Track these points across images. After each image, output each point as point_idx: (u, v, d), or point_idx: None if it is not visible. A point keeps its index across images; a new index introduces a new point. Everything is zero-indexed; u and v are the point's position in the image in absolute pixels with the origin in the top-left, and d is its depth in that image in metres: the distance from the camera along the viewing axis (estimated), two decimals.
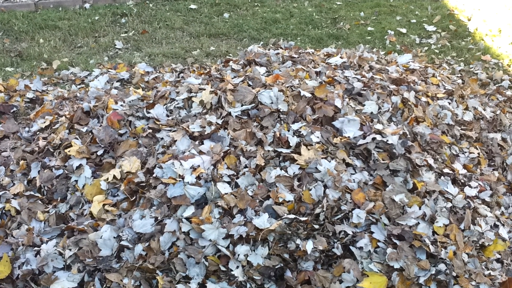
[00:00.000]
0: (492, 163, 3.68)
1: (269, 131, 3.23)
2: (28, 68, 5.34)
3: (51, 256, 2.75)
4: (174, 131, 3.29)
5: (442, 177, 3.17)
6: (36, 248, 2.82)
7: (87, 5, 7.07)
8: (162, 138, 3.29)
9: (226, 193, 2.83)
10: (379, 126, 3.24)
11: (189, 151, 3.07)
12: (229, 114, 3.33)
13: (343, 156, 3.09)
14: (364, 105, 3.49)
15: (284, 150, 3.09)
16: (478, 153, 3.59)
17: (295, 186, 2.92)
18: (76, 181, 3.19)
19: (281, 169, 3.01)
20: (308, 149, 3.08)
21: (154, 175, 2.98)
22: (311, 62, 4.20)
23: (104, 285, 2.68)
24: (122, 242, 2.76)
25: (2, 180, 3.32)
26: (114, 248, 2.76)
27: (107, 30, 6.41)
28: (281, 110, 3.33)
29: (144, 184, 3.01)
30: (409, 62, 4.58)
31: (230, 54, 5.77)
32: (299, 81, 3.65)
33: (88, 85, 4.83)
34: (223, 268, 2.64)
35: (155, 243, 2.72)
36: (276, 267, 2.68)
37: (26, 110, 4.38)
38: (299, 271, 2.70)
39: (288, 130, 3.22)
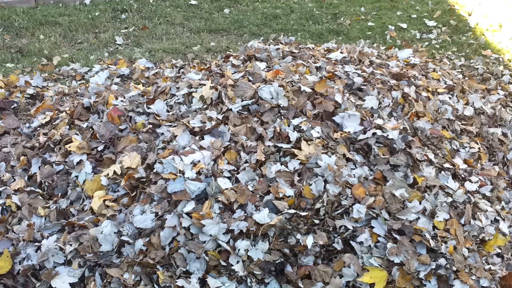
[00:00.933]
0: (493, 158, 3.68)
1: (270, 126, 3.23)
2: (29, 64, 5.34)
3: (52, 252, 2.75)
4: (175, 126, 3.28)
5: (442, 172, 3.17)
6: (36, 244, 2.82)
7: (87, 1, 7.06)
8: (162, 134, 3.29)
9: (226, 188, 2.83)
10: (379, 121, 3.24)
11: (189, 146, 3.07)
12: (230, 109, 3.32)
13: (343, 151, 3.08)
14: (364, 100, 3.48)
15: (284, 145, 3.09)
16: (479, 148, 3.59)
17: (296, 181, 2.92)
18: (77, 176, 3.19)
19: (281, 164, 3.01)
20: (309, 144, 3.08)
21: (154, 171, 2.98)
22: (311, 57, 4.20)
23: (105, 280, 2.68)
24: (122, 238, 2.76)
25: (3, 175, 3.32)
26: (114, 244, 2.77)
27: (107, 26, 6.40)
28: (281, 105, 3.33)
29: (144, 179, 3.01)
30: (409, 57, 4.57)
31: (231, 50, 5.76)
32: (299, 76, 3.64)
33: (88, 81, 4.83)
34: (223, 263, 2.64)
35: (156, 238, 2.72)
36: (277, 262, 2.69)
37: (27, 106, 4.38)
38: (299, 266, 2.70)
39: (289, 125, 3.22)
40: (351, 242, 2.76)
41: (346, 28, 6.60)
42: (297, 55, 4.24)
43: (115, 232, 2.80)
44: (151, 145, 3.24)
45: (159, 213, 2.81)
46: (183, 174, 2.87)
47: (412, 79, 3.90)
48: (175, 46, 5.84)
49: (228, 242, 2.69)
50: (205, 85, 3.49)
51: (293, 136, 3.12)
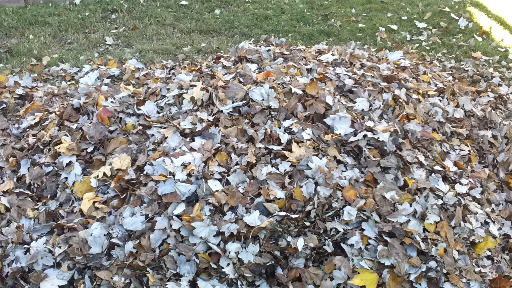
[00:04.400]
0: (483, 160, 3.69)
1: (260, 128, 3.23)
2: (18, 64, 5.30)
3: (41, 254, 2.73)
4: (165, 128, 3.27)
5: (433, 174, 3.17)
6: (25, 246, 2.80)
7: (77, 1, 7.02)
8: (152, 135, 3.28)
9: (217, 190, 2.82)
10: (370, 123, 3.24)
11: (180, 148, 3.06)
12: (220, 111, 3.32)
13: (334, 153, 3.08)
14: (355, 102, 3.49)
15: (275, 147, 3.09)
16: (469, 150, 3.60)
17: (286, 183, 2.92)
18: (66, 178, 3.18)
19: (272, 166, 3.00)
20: (299, 146, 3.08)
21: (144, 172, 2.97)
22: (302, 59, 4.20)
23: (94, 283, 2.67)
24: (112, 240, 2.74)
25: None
26: (104, 246, 2.75)
27: (98, 26, 6.38)
28: (272, 107, 3.33)
29: (134, 181, 3.00)
30: (400, 59, 4.58)
31: (221, 51, 5.76)
32: (290, 78, 3.64)
33: (78, 82, 4.81)
34: (214, 266, 2.64)
35: (146, 240, 2.71)
36: (267, 264, 2.68)
37: (16, 107, 4.35)
38: (290, 268, 2.70)
39: (279, 127, 3.22)
40: (341, 244, 2.76)
41: (336, 29, 6.61)
42: (288, 57, 4.23)
43: (104, 234, 2.79)
44: (141, 147, 3.23)
45: (149, 215, 2.80)
46: (174, 176, 2.86)
47: (403, 82, 3.91)
48: (165, 47, 5.82)
49: (218, 245, 2.68)
50: (195, 86, 3.48)
51: (284, 138, 3.12)
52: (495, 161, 3.69)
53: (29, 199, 3.13)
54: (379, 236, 2.77)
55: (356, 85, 3.65)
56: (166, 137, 3.17)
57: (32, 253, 2.73)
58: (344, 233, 2.78)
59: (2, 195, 3.15)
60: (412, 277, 2.66)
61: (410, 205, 2.90)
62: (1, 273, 2.71)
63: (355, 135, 3.17)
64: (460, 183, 3.23)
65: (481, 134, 3.81)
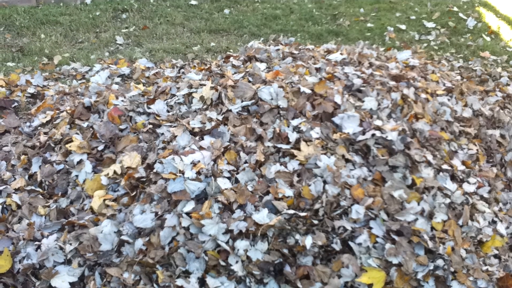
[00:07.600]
0: (491, 160, 3.69)
1: (269, 127, 3.24)
2: (29, 63, 5.35)
3: (52, 251, 2.76)
4: (175, 126, 3.30)
5: (441, 173, 3.17)
6: (36, 243, 2.83)
7: (88, 1, 7.07)
8: (162, 134, 3.30)
9: (226, 189, 2.84)
10: (378, 122, 3.25)
11: (189, 146, 3.08)
12: (229, 110, 3.33)
13: (342, 152, 3.09)
14: (363, 102, 3.49)
15: (283, 146, 3.10)
16: (477, 150, 3.60)
17: (295, 181, 2.93)
18: (77, 176, 3.21)
19: (280, 164, 3.02)
20: (308, 145, 3.09)
21: (154, 170, 2.99)
22: (311, 59, 4.20)
23: (104, 280, 2.69)
24: (122, 237, 2.77)
25: (3, 174, 3.33)
26: (114, 243, 2.78)
27: (108, 26, 6.41)
28: (281, 106, 3.34)
29: (144, 179, 3.02)
30: (408, 58, 4.58)
31: (231, 50, 5.78)
32: (299, 77, 3.65)
33: (89, 80, 4.84)
34: (222, 263, 2.65)
35: (155, 238, 2.73)
36: (276, 262, 2.69)
37: (27, 105, 4.39)
38: (298, 266, 2.71)
39: (288, 126, 3.23)
40: (349, 242, 2.77)
41: (345, 29, 6.61)
42: (297, 56, 4.25)
43: (115, 232, 2.81)
44: (151, 145, 3.25)
45: (159, 213, 2.82)
46: (183, 174, 2.88)
47: (412, 81, 3.91)
48: (175, 46, 5.85)
49: (227, 242, 2.69)
50: (205, 85, 3.50)
51: (293, 136, 3.13)
52: (503, 160, 3.69)
53: (41, 196, 3.17)
54: (387, 235, 2.78)
55: (364, 84, 3.65)
56: (176, 136, 3.19)
57: (43, 250, 2.76)
58: (352, 232, 2.79)
59: (14, 193, 3.18)
60: (419, 276, 2.67)
61: (418, 204, 2.91)
62: (12, 269, 2.74)
63: (364, 134, 3.18)
64: (468, 182, 3.23)
65: (489, 133, 3.81)
